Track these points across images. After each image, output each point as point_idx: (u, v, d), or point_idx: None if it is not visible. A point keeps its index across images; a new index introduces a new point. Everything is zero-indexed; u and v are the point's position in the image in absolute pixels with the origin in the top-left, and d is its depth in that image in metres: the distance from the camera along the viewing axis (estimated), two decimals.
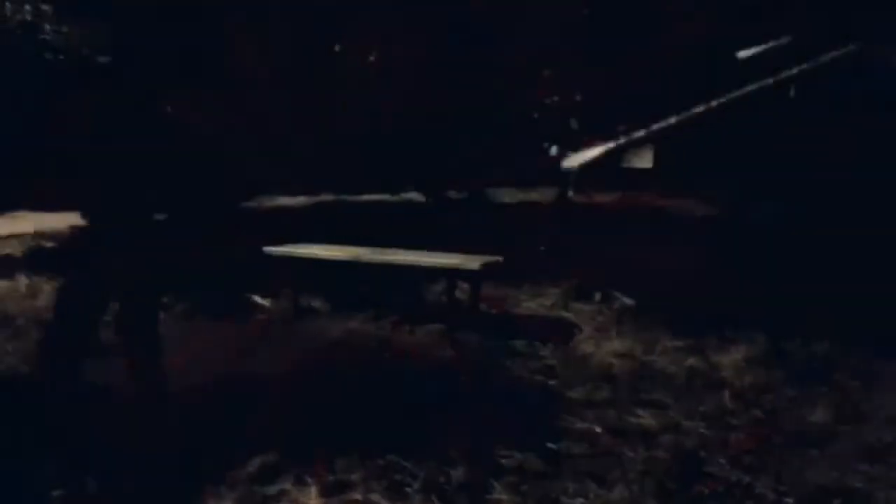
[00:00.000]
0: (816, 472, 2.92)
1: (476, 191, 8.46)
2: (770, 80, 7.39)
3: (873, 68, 7.04)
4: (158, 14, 6.78)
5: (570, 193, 7.19)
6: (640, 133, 7.00)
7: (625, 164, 9.10)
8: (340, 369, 4.13)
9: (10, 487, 2.83)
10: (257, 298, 5.64)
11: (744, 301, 5.01)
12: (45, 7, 6.89)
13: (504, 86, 7.02)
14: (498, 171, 8.40)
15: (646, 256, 5.66)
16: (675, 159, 8.55)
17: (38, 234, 8.19)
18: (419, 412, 3.48)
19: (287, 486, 2.82)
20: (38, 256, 7.23)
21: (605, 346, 4.51)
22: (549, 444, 3.15)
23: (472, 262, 4.86)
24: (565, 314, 5.18)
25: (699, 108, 7.27)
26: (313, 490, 2.80)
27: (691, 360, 4.23)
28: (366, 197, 9.24)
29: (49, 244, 7.89)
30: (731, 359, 4.24)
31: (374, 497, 2.75)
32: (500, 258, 5.01)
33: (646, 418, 3.46)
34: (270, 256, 5.44)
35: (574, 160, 7.34)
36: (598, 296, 5.35)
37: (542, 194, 8.41)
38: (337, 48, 7.07)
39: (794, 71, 7.39)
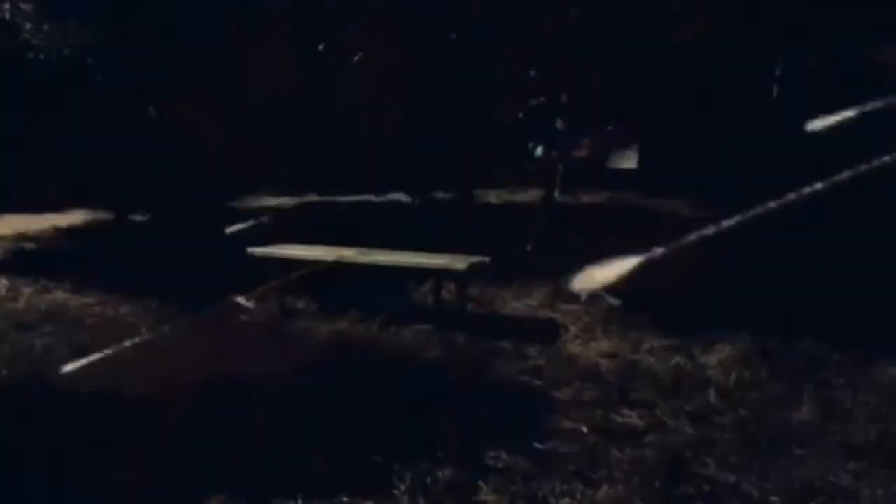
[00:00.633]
0: (802, 470, 2.94)
1: (462, 191, 8.45)
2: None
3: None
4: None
5: (557, 194, 7.20)
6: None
7: (610, 165, 9.14)
8: (326, 370, 4.10)
9: None
10: (242, 300, 5.58)
11: (729, 300, 5.02)
12: (24, 6, 6.81)
13: (491, 86, 7.02)
14: (484, 171, 8.40)
15: (631, 256, 5.66)
16: (660, 160, 8.59)
17: (20, 236, 8.09)
18: (406, 413, 3.47)
19: (272, 489, 2.80)
20: (20, 259, 7.14)
21: (591, 345, 4.52)
22: (537, 445, 3.15)
23: (459, 263, 4.85)
24: (552, 314, 5.18)
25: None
26: (298, 492, 2.77)
27: (677, 360, 4.24)
28: (351, 197, 9.21)
29: (30, 246, 7.79)
30: (716, 358, 4.25)
31: (362, 499, 2.73)
32: (486, 259, 5.00)
33: (632, 418, 3.46)
34: (255, 257, 5.40)
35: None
36: (584, 296, 5.35)
37: (528, 195, 8.42)
38: (321, 47, 7.04)
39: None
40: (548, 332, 4.78)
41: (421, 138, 7.62)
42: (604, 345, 4.51)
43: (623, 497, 2.73)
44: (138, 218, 8.57)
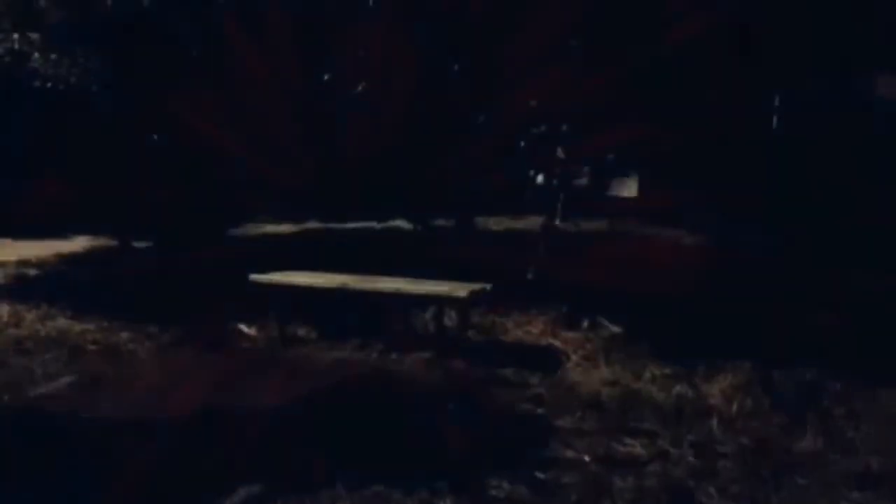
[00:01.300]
0: (805, 500, 2.92)
1: (463, 219, 8.49)
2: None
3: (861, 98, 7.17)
4: None
5: (557, 221, 7.24)
6: None
7: (611, 193, 9.19)
8: (327, 398, 4.09)
9: None
10: (243, 327, 5.59)
11: (731, 329, 5.03)
12: (33, 36, 6.92)
13: (492, 114, 7.09)
14: (485, 198, 8.44)
15: (633, 284, 5.68)
16: (660, 188, 8.65)
17: (22, 262, 8.11)
18: (407, 441, 3.45)
19: None
20: (22, 284, 7.15)
21: (593, 374, 4.51)
22: (539, 474, 3.13)
23: (460, 290, 4.86)
24: (553, 342, 5.18)
25: None
26: None
27: (679, 388, 4.23)
28: (352, 224, 9.24)
29: (33, 272, 7.81)
30: (718, 387, 4.24)
31: None
32: (487, 286, 5.01)
33: (635, 447, 3.45)
34: (256, 284, 5.41)
35: None
36: (585, 323, 5.36)
37: (529, 222, 8.46)
38: (326, 77, 7.14)
39: None
40: (549, 360, 4.77)
41: (422, 166, 7.68)
42: (605, 373, 4.50)
43: None
44: (140, 245, 8.60)
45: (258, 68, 6.90)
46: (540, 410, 3.94)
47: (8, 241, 9.04)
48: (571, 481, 3.08)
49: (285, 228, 9.87)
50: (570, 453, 3.36)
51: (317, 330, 5.48)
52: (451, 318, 5.32)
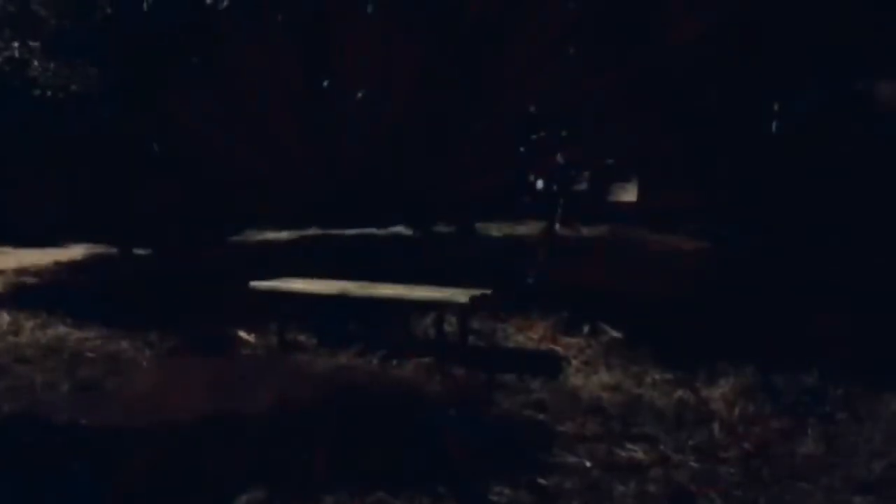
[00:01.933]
0: None
1: (464, 224, 8.49)
2: None
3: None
4: None
5: (557, 227, 7.23)
6: None
7: (610, 198, 9.19)
8: (327, 405, 4.08)
9: None
10: (243, 333, 5.58)
11: (732, 334, 5.02)
12: (33, 44, 6.93)
13: (492, 120, 7.09)
14: (485, 204, 8.45)
15: (633, 289, 5.68)
16: (660, 192, 8.65)
17: (21, 271, 8.11)
18: (407, 448, 3.44)
19: None
20: (21, 293, 7.15)
21: (594, 379, 4.50)
22: (540, 479, 3.12)
23: (460, 296, 4.86)
24: (554, 347, 5.17)
25: None
26: None
27: (680, 393, 4.22)
28: (352, 230, 9.24)
29: (32, 280, 7.80)
30: (719, 391, 4.23)
31: None
32: (488, 291, 5.00)
33: (636, 452, 3.44)
34: (256, 291, 5.41)
35: None
36: (586, 329, 5.35)
37: (529, 228, 8.46)
38: (325, 84, 7.14)
39: None
40: (550, 366, 4.76)
41: (421, 171, 7.68)
42: (606, 378, 4.49)
43: None
44: (140, 252, 8.60)
45: (258, 75, 6.92)
46: (541, 416, 3.93)
47: (7, 250, 9.04)
48: (573, 487, 3.07)
49: (285, 235, 9.87)
50: (571, 459, 3.35)
51: (317, 336, 5.47)
52: (451, 324, 5.31)
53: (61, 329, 5.75)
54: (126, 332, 5.60)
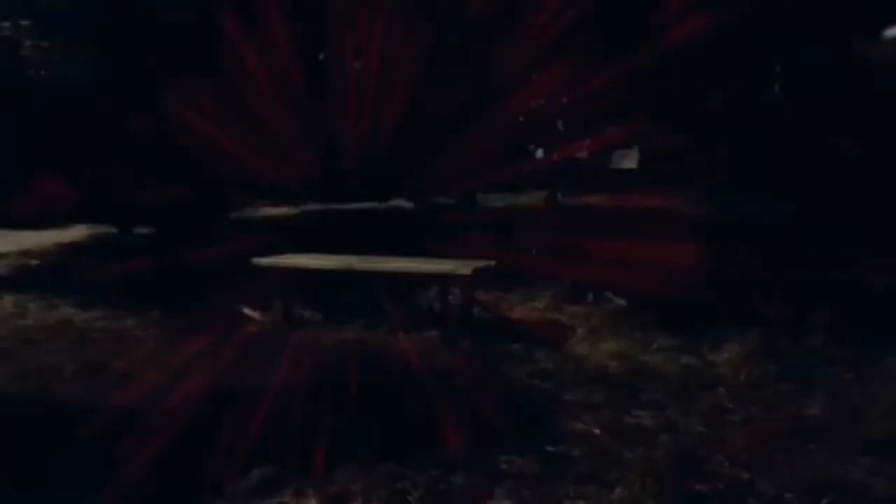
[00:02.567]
0: (815, 466, 2.93)
1: (465, 195, 8.46)
2: None
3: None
4: None
5: (560, 196, 7.20)
6: None
7: (611, 166, 9.14)
8: (334, 379, 4.10)
9: None
10: (248, 310, 5.59)
11: (735, 298, 5.02)
12: (24, 23, 6.83)
13: (491, 89, 7.04)
14: (486, 174, 8.41)
15: (636, 257, 5.67)
16: (661, 159, 8.60)
17: (24, 253, 8.10)
18: (417, 419, 3.46)
19: (287, 498, 2.80)
20: (24, 275, 7.15)
21: (599, 347, 4.51)
22: (549, 447, 3.14)
23: (464, 268, 4.85)
24: (559, 316, 5.18)
25: None
26: (313, 501, 2.77)
27: (686, 359, 4.24)
28: (353, 205, 9.21)
29: (34, 262, 7.80)
30: (725, 356, 4.25)
31: None
32: (491, 262, 5.00)
33: (643, 418, 3.46)
34: (260, 267, 5.40)
35: None
36: (590, 297, 5.35)
37: (530, 198, 8.43)
38: (321, 56, 7.07)
39: None
40: (555, 335, 4.77)
41: (421, 142, 7.63)
42: (612, 346, 4.51)
43: (638, 498, 2.73)
44: (141, 231, 8.58)
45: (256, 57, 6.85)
46: (547, 385, 3.95)
47: (4, 232, 9.02)
48: (581, 454, 3.09)
49: (285, 211, 9.84)
50: (579, 426, 3.37)
51: (322, 311, 5.48)
52: (455, 296, 5.31)
53: (66, 310, 5.76)
54: (131, 311, 5.61)
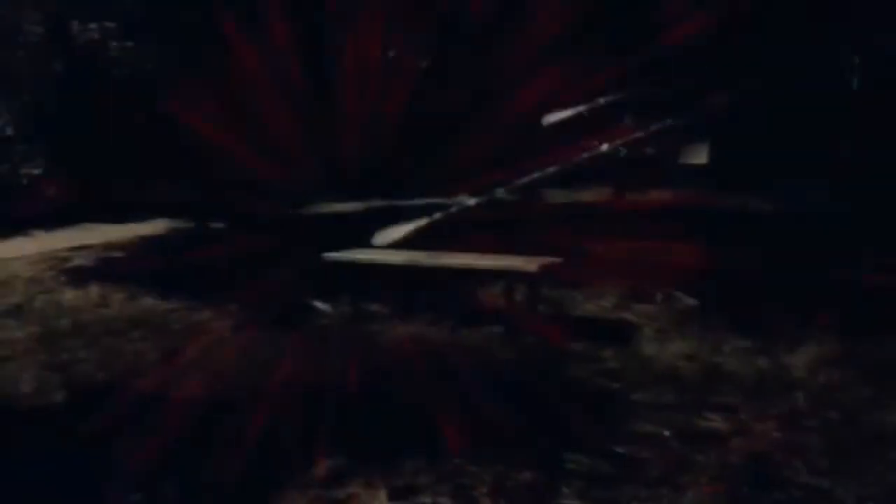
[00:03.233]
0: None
1: (529, 192, 8.40)
2: None
3: None
4: None
5: (625, 192, 7.09)
6: None
7: (681, 161, 8.92)
8: (403, 373, 4.16)
9: (81, 488, 2.94)
10: (318, 304, 5.73)
11: (811, 299, 4.85)
12: (109, 24, 7.14)
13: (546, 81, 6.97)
14: (546, 169, 8.32)
15: (705, 256, 5.53)
16: (731, 154, 8.35)
17: (108, 245, 8.49)
18: (482, 416, 3.48)
19: (357, 489, 2.87)
20: (108, 266, 7.49)
21: (668, 347, 4.44)
22: (617, 448, 3.11)
23: (529, 264, 4.84)
24: (626, 315, 5.11)
25: None
26: (382, 494, 2.83)
27: (760, 361, 4.12)
28: (417, 201, 9.26)
29: (117, 254, 8.17)
30: (801, 359, 4.12)
31: (443, 500, 2.77)
32: (558, 259, 4.97)
33: (716, 421, 3.39)
34: (329, 262, 5.52)
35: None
36: (659, 297, 5.26)
37: (595, 194, 8.31)
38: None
39: None
40: (622, 334, 4.72)
41: (478, 135, 7.63)
42: (681, 346, 4.42)
43: (711, 503, 2.68)
44: (218, 226, 8.87)
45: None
46: (615, 385, 3.91)
47: (91, 226, 9.46)
48: (651, 456, 3.05)
49: (351, 206, 9.98)
50: (648, 428, 3.33)
51: (389, 306, 5.57)
52: (521, 293, 5.30)
53: (147, 301, 6.02)
54: (208, 303, 5.82)
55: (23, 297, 6.22)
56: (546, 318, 5.08)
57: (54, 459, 3.18)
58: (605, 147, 8.42)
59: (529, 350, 4.54)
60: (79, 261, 7.69)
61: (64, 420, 3.66)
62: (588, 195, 8.61)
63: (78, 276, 6.92)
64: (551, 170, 7.66)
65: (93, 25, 7.03)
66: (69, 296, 6.28)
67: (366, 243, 5.90)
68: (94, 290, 6.37)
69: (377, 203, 8.88)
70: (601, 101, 7.39)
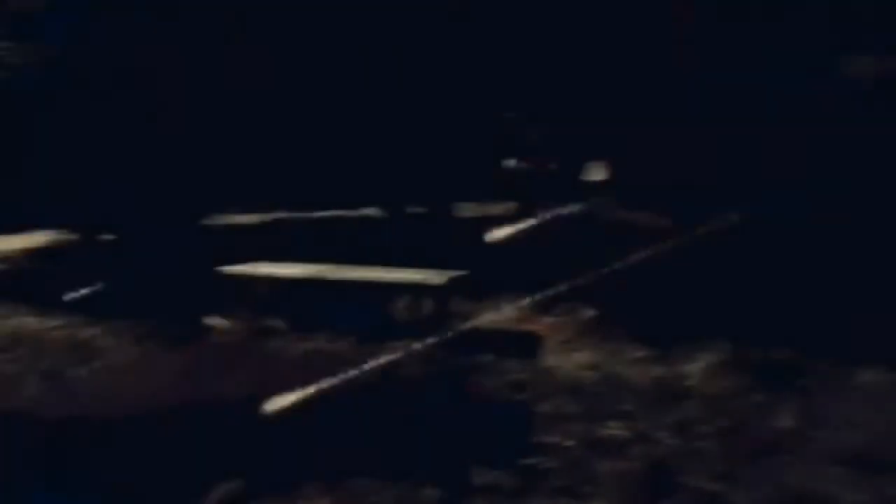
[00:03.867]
0: (788, 478, 2.93)
1: (437, 205, 8.41)
2: None
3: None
4: None
5: (531, 206, 7.20)
6: None
7: (583, 177, 9.18)
8: (301, 390, 4.01)
9: None
10: (214, 320, 5.47)
11: (706, 310, 5.04)
12: None
13: (463, 99, 7.03)
14: (458, 184, 8.38)
15: (607, 268, 5.67)
16: (631, 171, 8.66)
17: None
18: (386, 432, 3.39)
19: None
20: None
21: (571, 358, 4.49)
22: (522, 460, 3.10)
23: (437, 278, 4.80)
24: (531, 327, 5.15)
25: None
26: None
27: (657, 370, 4.23)
28: (322, 213, 9.10)
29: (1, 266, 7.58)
30: (696, 367, 4.25)
31: None
32: (465, 273, 4.95)
33: (616, 430, 3.43)
34: (227, 276, 5.30)
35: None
36: (563, 308, 5.33)
37: (502, 208, 8.42)
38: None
39: None
40: (528, 346, 4.74)
41: (393, 151, 7.59)
42: (584, 357, 4.49)
43: None
44: (105, 238, 8.38)
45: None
46: (520, 396, 3.91)
47: None
48: (555, 466, 3.06)
49: (254, 219, 9.69)
50: (552, 439, 3.33)
51: (290, 321, 5.38)
52: (427, 307, 5.25)
53: (26, 318, 5.58)
54: (94, 319, 5.45)
55: None
56: (452, 331, 5.04)
57: None
58: (511, 162, 8.56)
59: (434, 364, 4.48)
60: None
61: None
62: (495, 209, 8.72)
63: None
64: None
65: None
66: None
67: (265, 257, 5.70)
68: None
69: (279, 215, 8.66)
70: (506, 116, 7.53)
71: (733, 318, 4.74)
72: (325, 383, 4.15)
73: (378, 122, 7.44)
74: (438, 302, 5.04)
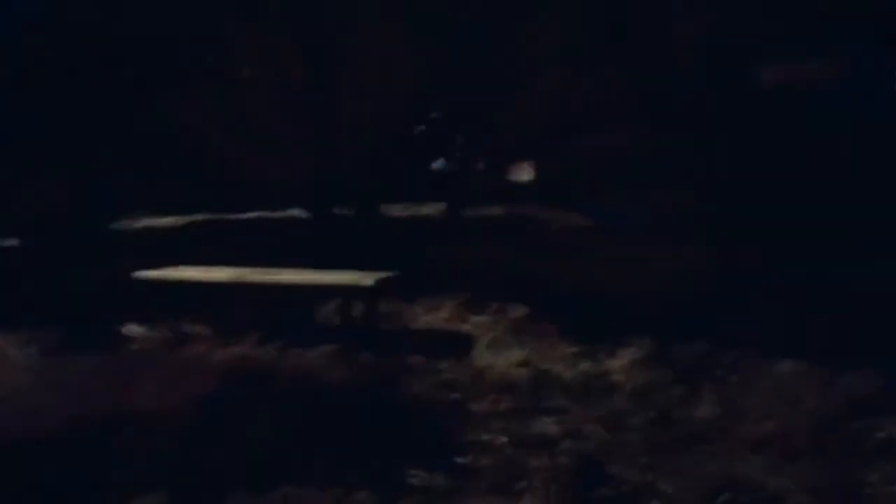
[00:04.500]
0: (711, 465, 3.03)
1: (365, 206, 8.32)
2: None
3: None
4: None
5: (459, 207, 7.23)
6: None
7: (509, 178, 9.28)
8: (226, 399, 3.88)
9: None
10: (131, 327, 5.23)
11: (629, 306, 5.17)
12: None
13: (390, 99, 7.00)
14: (385, 185, 8.32)
15: (535, 267, 5.76)
16: (555, 173, 8.82)
17: None
18: (316, 437, 3.32)
19: None
20: None
21: (503, 356, 4.53)
22: (456, 459, 3.09)
23: (367, 279, 4.74)
24: (462, 327, 5.16)
25: None
26: None
27: (585, 365, 4.32)
28: (245, 215, 8.85)
29: None
30: (621, 362, 4.36)
31: None
32: (394, 274, 4.91)
33: (548, 425, 3.48)
34: (144, 281, 5.07)
35: None
36: (493, 307, 5.38)
37: (432, 208, 8.41)
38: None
39: None
40: (459, 345, 4.75)
41: (319, 151, 7.47)
42: (515, 354, 4.53)
43: None
44: (11, 244, 7.88)
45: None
46: (453, 396, 3.91)
47: None
48: (488, 464, 3.06)
49: (171, 221, 9.32)
50: (485, 436, 3.34)
51: (212, 327, 5.20)
52: (357, 309, 5.18)
53: None
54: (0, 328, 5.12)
55: None
56: (383, 333, 5.00)
57: None
58: (439, 163, 8.57)
59: (366, 366, 4.42)
60: None
61: None
62: (424, 209, 8.70)
63: None
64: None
65: None
66: None
67: (184, 261, 5.50)
68: None
69: (198, 217, 8.37)
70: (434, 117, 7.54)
71: (653, 314, 4.89)
72: (251, 389, 4.04)
73: (302, 122, 7.31)
74: (368, 304, 4.98)
